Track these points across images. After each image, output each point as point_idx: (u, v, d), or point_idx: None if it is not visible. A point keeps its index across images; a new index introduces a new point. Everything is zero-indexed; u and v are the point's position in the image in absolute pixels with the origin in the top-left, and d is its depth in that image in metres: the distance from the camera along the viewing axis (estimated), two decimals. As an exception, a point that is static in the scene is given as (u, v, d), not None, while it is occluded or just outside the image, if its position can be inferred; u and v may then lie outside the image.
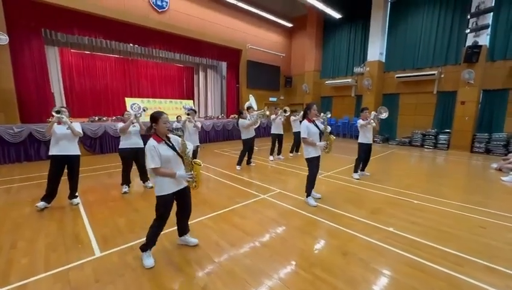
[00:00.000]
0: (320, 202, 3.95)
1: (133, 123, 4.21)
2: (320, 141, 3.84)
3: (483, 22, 8.07)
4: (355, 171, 5.40)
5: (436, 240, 2.82)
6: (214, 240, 2.83)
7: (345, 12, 11.64)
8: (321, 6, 10.56)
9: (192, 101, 12.25)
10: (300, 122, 3.94)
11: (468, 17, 8.31)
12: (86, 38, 8.72)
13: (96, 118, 8.54)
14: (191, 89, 13.67)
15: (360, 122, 5.20)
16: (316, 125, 3.83)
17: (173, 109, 10.68)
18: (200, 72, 13.28)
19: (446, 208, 3.80)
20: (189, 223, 2.73)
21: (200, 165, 2.41)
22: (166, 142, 2.35)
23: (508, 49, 8.19)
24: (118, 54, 10.65)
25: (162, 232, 2.73)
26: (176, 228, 2.70)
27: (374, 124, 5.23)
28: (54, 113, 3.44)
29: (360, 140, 5.30)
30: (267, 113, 6.20)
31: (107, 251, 2.57)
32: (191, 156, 2.44)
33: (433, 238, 2.86)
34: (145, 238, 2.40)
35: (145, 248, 2.38)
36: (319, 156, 3.90)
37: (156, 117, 2.31)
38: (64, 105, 9.23)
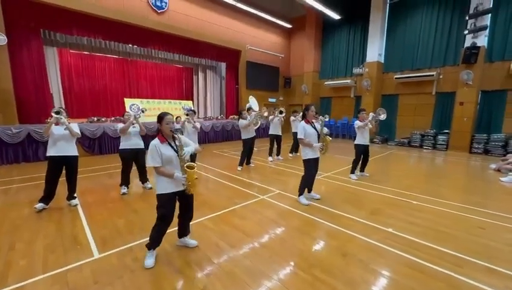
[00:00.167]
0: (319, 203, 3.96)
1: (133, 124, 4.20)
2: (318, 141, 3.86)
3: (481, 23, 8.11)
4: (352, 172, 5.41)
5: (435, 241, 2.82)
6: (214, 241, 2.82)
7: (344, 14, 11.67)
8: (320, 7, 10.59)
9: (191, 101, 12.24)
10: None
11: (467, 18, 8.35)
12: (85, 38, 8.71)
13: (95, 119, 8.53)
14: (190, 90, 13.66)
15: (358, 123, 5.21)
16: (314, 127, 3.85)
17: (172, 109, 10.65)
18: (200, 73, 13.28)
19: (445, 208, 3.80)
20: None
21: (192, 169, 2.29)
22: (169, 143, 2.37)
23: (506, 50, 8.23)
24: (117, 55, 10.63)
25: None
26: (175, 229, 2.69)
27: (371, 126, 5.25)
28: (53, 114, 3.43)
29: (357, 141, 5.31)
30: (265, 114, 6.20)
31: (106, 253, 2.56)
32: (186, 158, 2.36)
33: (432, 239, 2.86)
34: (147, 239, 2.41)
35: (149, 246, 2.40)
36: (317, 158, 3.92)
37: (160, 117, 2.39)
38: (63, 106, 9.22)
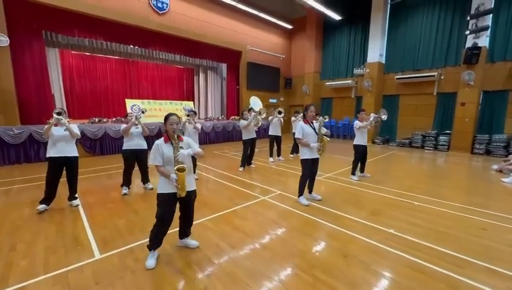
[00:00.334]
0: (320, 203, 3.95)
1: (136, 125, 4.22)
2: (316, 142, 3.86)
3: (482, 23, 8.09)
4: (353, 173, 5.40)
5: (437, 242, 2.81)
6: (214, 241, 2.82)
7: (345, 14, 11.67)
8: (321, 8, 10.60)
9: (192, 102, 12.26)
10: None
11: (468, 18, 8.33)
12: (87, 40, 8.75)
13: (97, 120, 8.55)
14: (191, 91, 13.69)
15: (359, 124, 5.20)
16: (313, 127, 3.85)
17: (173, 110, 10.67)
18: (200, 74, 13.31)
19: (446, 209, 3.79)
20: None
21: (181, 172, 2.22)
22: (172, 143, 2.37)
23: (507, 50, 8.21)
24: (119, 56, 10.67)
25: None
26: (176, 229, 2.69)
27: (369, 127, 5.26)
28: (54, 115, 3.43)
29: (356, 142, 5.30)
30: (263, 116, 6.19)
31: (107, 253, 2.56)
32: (180, 160, 2.29)
33: (433, 240, 2.85)
34: (148, 239, 2.42)
35: (149, 247, 2.40)
36: (316, 159, 3.91)
37: (165, 117, 2.42)
38: (65, 106, 9.25)
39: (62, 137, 3.53)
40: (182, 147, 2.40)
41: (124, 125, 4.24)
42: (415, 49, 10.21)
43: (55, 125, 3.49)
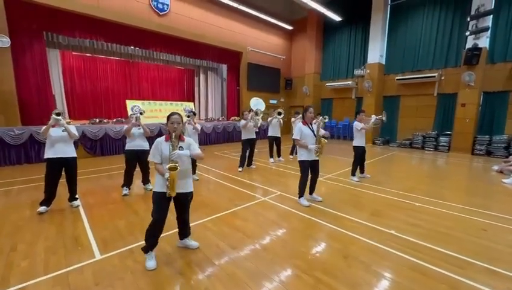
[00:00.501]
0: (320, 204, 3.95)
1: (137, 126, 4.23)
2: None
3: (483, 24, 8.10)
4: (353, 174, 5.39)
5: (437, 243, 2.81)
6: (215, 242, 2.82)
7: (345, 15, 11.69)
8: (321, 9, 10.63)
9: (192, 103, 12.26)
10: None
11: (468, 19, 8.34)
12: (87, 41, 8.77)
13: (97, 120, 8.56)
14: (191, 91, 13.70)
15: (360, 125, 5.19)
16: (311, 128, 3.85)
17: (174, 111, 10.67)
18: (201, 74, 13.32)
19: (447, 210, 3.78)
20: (190, 225, 2.71)
21: (174, 170, 2.20)
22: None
23: (507, 51, 8.21)
24: (119, 57, 10.69)
25: (161, 235, 2.72)
26: (176, 230, 2.69)
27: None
28: (54, 116, 3.42)
29: (356, 143, 5.30)
30: (260, 116, 6.20)
31: (107, 254, 2.56)
32: (174, 159, 2.25)
33: (434, 241, 2.85)
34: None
35: (144, 249, 2.38)
36: (315, 160, 3.89)
37: (167, 117, 2.43)
38: (65, 107, 9.27)
39: (60, 138, 3.52)
40: (181, 147, 2.39)
41: (126, 126, 4.27)
42: (415, 50, 10.21)
43: (53, 126, 3.48)
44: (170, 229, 2.87)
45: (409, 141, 10.29)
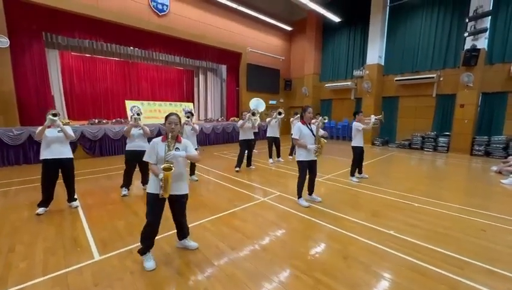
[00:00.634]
0: (320, 205, 3.95)
1: (136, 126, 4.24)
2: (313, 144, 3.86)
3: (481, 25, 8.13)
4: (352, 174, 5.40)
5: (437, 243, 2.81)
6: (214, 243, 2.81)
7: (344, 16, 11.72)
8: (321, 10, 10.65)
9: (192, 103, 12.26)
10: None
11: (467, 21, 8.37)
12: (87, 41, 8.77)
13: (96, 121, 8.55)
14: (191, 92, 13.70)
15: (361, 125, 5.20)
16: (310, 128, 3.85)
17: (173, 111, 10.66)
18: (200, 75, 13.33)
19: (446, 210, 3.79)
20: (189, 226, 2.71)
21: (169, 171, 2.18)
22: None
23: (506, 52, 8.24)
24: (118, 57, 10.67)
25: (160, 236, 2.72)
26: (175, 231, 2.68)
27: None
28: (50, 116, 3.36)
29: (356, 143, 5.31)
30: (257, 116, 6.21)
31: (106, 255, 2.55)
32: (169, 159, 2.25)
33: (433, 241, 2.85)
34: None
35: (140, 251, 2.37)
36: (313, 160, 3.90)
37: (165, 117, 2.42)
38: (64, 108, 9.25)
39: (56, 139, 3.47)
40: (177, 148, 2.37)
41: (126, 127, 4.28)
42: (414, 51, 10.25)
43: (49, 126, 3.43)
44: (169, 230, 2.87)
45: (408, 142, 10.31)
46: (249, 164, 6.43)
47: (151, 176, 2.39)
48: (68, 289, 2.07)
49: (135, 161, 4.34)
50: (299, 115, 6.05)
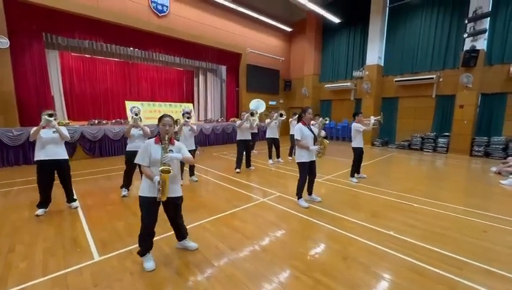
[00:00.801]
0: (320, 206, 3.95)
1: (136, 127, 4.24)
2: (314, 144, 3.86)
3: (480, 26, 8.15)
4: (352, 175, 5.40)
5: (436, 244, 2.81)
6: (214, 243, 2.81)
7: (344, 17, 11.75)
8: (320, 11, 10.67)
9: (192, 104, 12.27)
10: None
11: (466, 22, 8.39)
12: (87, 42, 8.79)
13: (96, 121, 8.54)
14: (190, 93, 13.71)
15: (362, 126, 5.21)
16: (310, 129, 3.85)
17: (173, 112, 10.67)
18: (200, 76, 13.34)
19: (446, 211, 3.80)
20: (188, 226, 2.72)
21: (168, 173, 2.17)
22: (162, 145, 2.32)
23: (505, 53, 8.26)
24: (118, 58, 10.70)
25: (160, 236, 2.72)
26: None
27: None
28: (46, 117, 3.32)
29: (356, 144, 5.32)
30: (256, 117, 6.23)
31: (106, 255, 2.55)
32: (167, 162, 2.23)
33: (433, 242, 2.85)
34: None
35: (140, 253, 2.37)
36: (313, 161, 3.91)
37: (159, 119, 2.39)
38: (64, 108, 9.26)
39: (51, 139, 3.43)
40: (171, 151, 2.35)
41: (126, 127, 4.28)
42: (414, 51, 10.27)
43: (44, 127, 3.39)
44: (169, 231, 2.86)
45: (408, 143, 10.32)
46: (248, 164, 6.43)
47: (143, 179, 2.34)
48: (68, 289, 2.07)
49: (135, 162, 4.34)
50: (297, 116, 6.08)
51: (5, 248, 2.66)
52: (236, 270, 2.34)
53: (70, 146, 7.23)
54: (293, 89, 15.30)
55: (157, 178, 2.20)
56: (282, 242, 2.90)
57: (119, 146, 8.01)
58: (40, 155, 3.41)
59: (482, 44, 8.30)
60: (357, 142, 5.31)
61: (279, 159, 7.34)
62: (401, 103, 11.01)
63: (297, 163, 3.89)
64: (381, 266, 2.42)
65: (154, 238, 2.46)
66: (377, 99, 11.29)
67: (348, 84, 12.31)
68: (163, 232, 2.86)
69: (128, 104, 9.45)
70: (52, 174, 3.55)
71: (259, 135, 10.83)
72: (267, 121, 7.06)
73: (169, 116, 2.39)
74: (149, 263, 2.34)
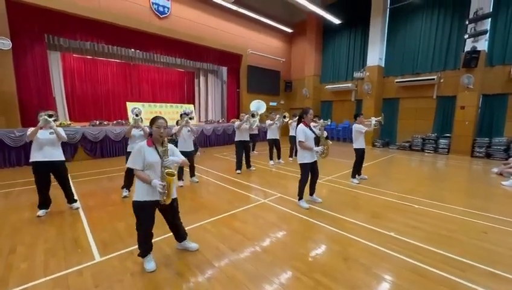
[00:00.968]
0: (320, 207, 3.94)
1: (138, 128, 4.26)
2: (316, 145, 3.85)
3: (481, 27, 8.14)
4: (353, 176, 5.40)
5: (437, 245, 2.80)
6: (214, 244, 2.81)
7: (345, 18, 11.76)
8: (321, 12, 10.69)
9: (192, 105, 12.30)
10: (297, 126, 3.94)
11: (467, 23, 8.38)
12: (88, 43, 8.83)
13: (97, 122, 8.57)
14: (191, 94, 13.75)
15: (363, 128, 5.20)
16: (312, 130, 3.84)
17: (174, 113, 10.71)
18: (201, 77, 13.37)
19: (447, 212, 3.78)
20: (189, 227, 2.72)
21: (173, 176, 2.17)
22: (156, 148, 2.29)
23: (506, 54, 8.24)
24: (120, 59, 10.75)
25: (161, 237, 2.72)
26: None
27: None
28: (46, 117, 3.32)
29: (358, 145, 5.31)
30: (257, 118, 6.24)
31: (107, 256, 2.56)
32: (169, 165, 2.22)
33: (434, 243, 2.84)
34: None
35: (141, 254, 2.37)
36: (315, 161, 3.91)
37: (152, 121, 2.31)
38: (66, 109, 9.29)
39: (48, 141, 3.40)
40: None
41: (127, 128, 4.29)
42: (415, 52, 10.26)
43: (41, 128, 3.37)
44: (170, 231, 2.86)
45: (409, 143, 10.30)
46: (248, 165, 6.43)
47: (138, 183, 2.27)
48: (69, 290, 2.07)
49: None
50: (297, 117, 6.11)
51: (6, 249, 2.67)
52: (237, 271, 2.34)
53: (72, 147, 7.26)
54: (293, 90, 15.31)
55: (156, 182, 2.16)
56: (283, 243, 2.89)
57: (120, 147, 8.03)
58: (36, 156, 3.37)
59: (482, 45, 8.28)
60: (359, 143, 5.30)
61: (280, 160, 7.34)
62: (401, 104, 11.00)
63: (300, 164, 3.89)
64: (382, 267, 2.42)
65: (155, 239, 2.46)
66: (378, 100, 11.28)
67: (349, 85, 12.31)
68: (164, 233, 2.86)
69: (129, 105, 9.47)
70: (48, 176, 3.52)
71: (260, 136, 10.85)
72: (268, 122, 7.07)
73: (162, 118, 2.32)
74: (150, 264, 2.34)
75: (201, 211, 3.75)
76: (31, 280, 2.18)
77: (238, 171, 6.07)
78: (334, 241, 2.92)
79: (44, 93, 7.77)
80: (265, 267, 2.40)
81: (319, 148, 3.79)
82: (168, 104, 11.21)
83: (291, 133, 7.48)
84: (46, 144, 3.41)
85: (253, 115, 6.16)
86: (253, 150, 8.94)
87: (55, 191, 3.69)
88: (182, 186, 4.97)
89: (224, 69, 13.47)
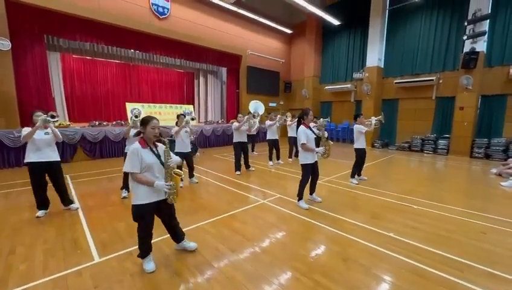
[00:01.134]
0: (320, 207, 3.95)
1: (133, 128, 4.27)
2: (316, 145, 3.86)
3: (480, 28, 8.17)
4: (353, 176, 5.40)
5: (437, 246, 2.81)
6: (214, 245, 2.81)
7: (344, 19, 11.79)
8: (320, 13, 10.72)
9: (192, 106, 12.29)
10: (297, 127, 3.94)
11: (465, 24, 8.41)
12: (88, 44, 8.83)
13: (97, 123, 8.57)
14: (191, 94, 13.75)
15: (364, 128, 5.21)
16: (313, 131, 3.85)
17: (173, 114, 10.69)
18: (201, 78, 13.38)
19: (446, 213, 3.79)
20: (188, 228, 2.72)
21: (181, 176, 2.22)
22: (151, 149, 2.27)
23: (505, 55, 8.27)
24: (119, 60, 10.75)
25: (160, 238, 2.72)
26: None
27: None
28: (48, 118, 3.30)
29: (358, 145, 5.31)
30: (257, 119, 6.26)
31: (106, 257, 2.55)
32: (172, 166, 2.25)
33: (433, 244, 2.85)
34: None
35: (141, 255, 2.37)
36: (316, 161, 3.93)
37: (145, 121, 2.25)
38: (65, 110, 9.28)
39: (44, 141, 3.38)
40: (159, 154, 2.33)
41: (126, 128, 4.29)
42: (414, 53, 10.29)
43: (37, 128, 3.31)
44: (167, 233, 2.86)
45: (408, 144, 10.31)
46: (247, 166, 6.44)
47: (137, 186, 2.21)
48: (68, 290, 2.07)
49: None
50: (297, 119, 6.12)
51: (6, 250, 2.66)
52: (236, 272, 2.34)
53: (71, 147, 7.26)
54: (293, 90, 15.33)
55: (159, 183, 2.18)
56: (283, 244, 2.89)
57: (119, 147, 8.02)
58: (31, 157, 3.33)
59: (481, 46, 8.31)
60: (360, 143, 5.31)
61: (280, 161, 7.35)
62: (401, 105, 11.02)
63: (301, 165, 3.89)
64: (381, 267, 2.42)
65: (155, 240, 2.47)
66: (377, 101, 11.30)
67: (348, 85, 12.33)
68: (164, 233, 2.85)
69: (129, 106, 9.47)
70: (43, 176, 3.50)
71: (259, 136, 10.85)
72: (268, 122, 7.08)
73: (155, 118, 2.30)
74: (149, 265, 2.34)
75: (201, 211, 3.75)
76: (31, 281, 2.18)
77: (238, 173, 6.08)
78: (333, 242, 2.92)
79: (44, 94, 7.77)
80: (264, 268, 2.40)
81: (321, 149, 3.80)
82: (168, 105, 11.20)
83: (290, 134, 7.49)
84: (42, 144, 3.38)
85: (254, 116, 6.17)
86: (253, 150, 8.95)
87: (54, 192, 3.68)
88: (181, 187, 4.97)
89: (224, 70, 13.48)
